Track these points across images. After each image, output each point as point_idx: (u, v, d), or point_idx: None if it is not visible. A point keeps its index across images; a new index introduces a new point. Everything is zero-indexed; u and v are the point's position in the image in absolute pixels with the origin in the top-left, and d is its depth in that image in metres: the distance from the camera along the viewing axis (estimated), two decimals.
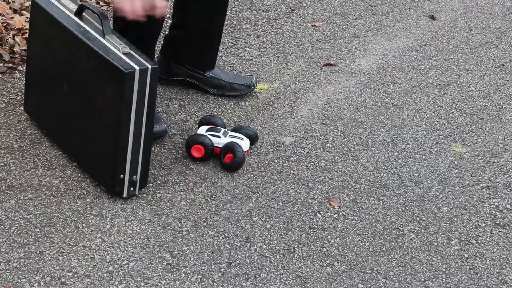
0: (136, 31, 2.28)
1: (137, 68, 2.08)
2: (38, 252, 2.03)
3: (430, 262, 2.17)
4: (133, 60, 2.11)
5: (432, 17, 3.58)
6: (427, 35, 3.41)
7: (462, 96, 2.98)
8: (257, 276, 2.05)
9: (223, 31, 2.74)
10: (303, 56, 3.12)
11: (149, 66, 2.10)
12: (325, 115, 2.76)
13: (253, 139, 2.51)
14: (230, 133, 2.46)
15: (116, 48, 2.14)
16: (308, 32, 3.31)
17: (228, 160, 2.40)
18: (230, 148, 2.39)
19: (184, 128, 2.58)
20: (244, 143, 2.43)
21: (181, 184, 2.33)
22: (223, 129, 2.46)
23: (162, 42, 2.76)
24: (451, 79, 3.09)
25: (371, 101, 2.88)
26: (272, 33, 3.26)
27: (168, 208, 2.23)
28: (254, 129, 2.58)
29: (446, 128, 2.78)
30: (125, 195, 2.22)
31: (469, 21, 3.59)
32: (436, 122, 2.80)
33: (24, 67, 2.73)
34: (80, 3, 2.31)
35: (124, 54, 2.12)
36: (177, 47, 2.68)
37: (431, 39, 3.38)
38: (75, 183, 2.27)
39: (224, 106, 2.72)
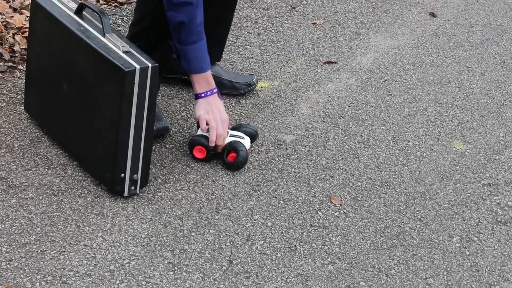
0: (156, 33, 2.33)
1: (137, 66, 2.08)
2: (39, 251, 2.03)
3: (431, 259, 2.17)
4: (134, 59, 2.10)
5: (433, 15, 3.57)
6: (427, 33, 3.41)
7: (463, 94, 2.98)
8: (258, 274, 2.05)
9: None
10: (303, 54, 3.12)
11: (150, 65, 2.10)
12: (326, 113, 2.76)
13: (253, 137, 2.51)
14: (231, 132, 2.45)
15: (116, 46, 2.13)
16: (309, 30, 3.30)
17: (231, 159, 2.39)
18: (234, 147, 2.39)
19: (184, 126, 2.58)
20: (246, 142, 2.43)
21: (182, 183, 2.33)
22: None
23: None
24: (452, 77, 3.08)
25: (372, 98, 2.87)
26: (273, 31, 3.26)
27: (169, 207, 2.23)
28: (254, 126, 2.58)
29: (447, 125, 2.77)
30: (126, 194, 2.22)
31: (470, 18, 3.58)
32: (437, 119, 2.80)
33: (24, 66, 2.73)
34: (80, 1, 2.31)
35: (125, 52, 2.12)
36: None
37: (431, 36, 3.38)
38: (76, 182, 2.27)
39: (225, 104, 2.71)
